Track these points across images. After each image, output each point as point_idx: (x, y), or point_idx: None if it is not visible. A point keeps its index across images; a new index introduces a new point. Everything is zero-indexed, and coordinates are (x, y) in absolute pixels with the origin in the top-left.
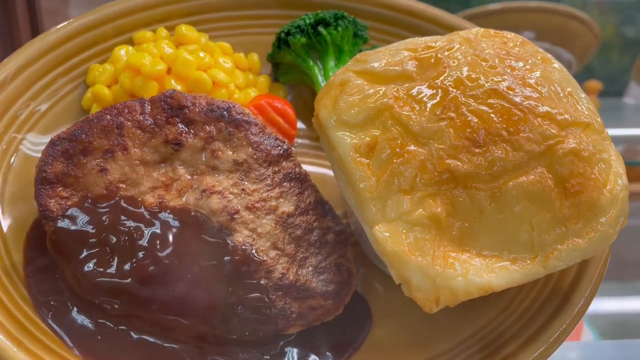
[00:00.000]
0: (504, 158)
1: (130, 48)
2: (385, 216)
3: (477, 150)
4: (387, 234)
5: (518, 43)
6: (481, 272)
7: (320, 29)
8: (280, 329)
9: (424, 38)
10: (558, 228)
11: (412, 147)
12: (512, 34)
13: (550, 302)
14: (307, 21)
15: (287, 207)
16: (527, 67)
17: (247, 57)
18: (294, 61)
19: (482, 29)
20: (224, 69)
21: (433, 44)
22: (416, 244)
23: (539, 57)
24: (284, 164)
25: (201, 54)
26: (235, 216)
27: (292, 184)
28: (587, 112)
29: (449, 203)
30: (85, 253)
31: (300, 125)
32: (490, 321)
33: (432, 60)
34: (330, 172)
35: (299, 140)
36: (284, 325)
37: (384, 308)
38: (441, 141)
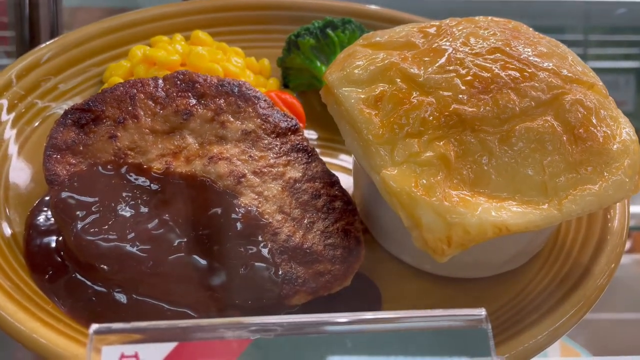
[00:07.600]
0: (512, 104)
1: (147, 47)
2: (393, 160)
3: (483, 97)
4: (396, 176)
5: (520, 27)
6: (495, 210)
7: (329, 31)
8: (285, 296)
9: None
10: (570, 173)
11: (418, 96)
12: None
13: (569, 277)
14: (316, 25)
15: (294, 173)
16: (531, 37)
17: (259, 62)
18: (302, 64)
19: (483, 17)
20: (236, 66)
21: (437, 22)
22: (426, 184)
23: (539, 36)
24: (292, 137)
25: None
26: (242, 180)
27: (299, 155)
28: (591, 75)
29: (458, 146)
30: (87, 215)
31: (308, 132)
32: (508, 301)
33: (435, 31)
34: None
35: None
36: (288, 292)
37: (394, 295)
38: (448, 89)
